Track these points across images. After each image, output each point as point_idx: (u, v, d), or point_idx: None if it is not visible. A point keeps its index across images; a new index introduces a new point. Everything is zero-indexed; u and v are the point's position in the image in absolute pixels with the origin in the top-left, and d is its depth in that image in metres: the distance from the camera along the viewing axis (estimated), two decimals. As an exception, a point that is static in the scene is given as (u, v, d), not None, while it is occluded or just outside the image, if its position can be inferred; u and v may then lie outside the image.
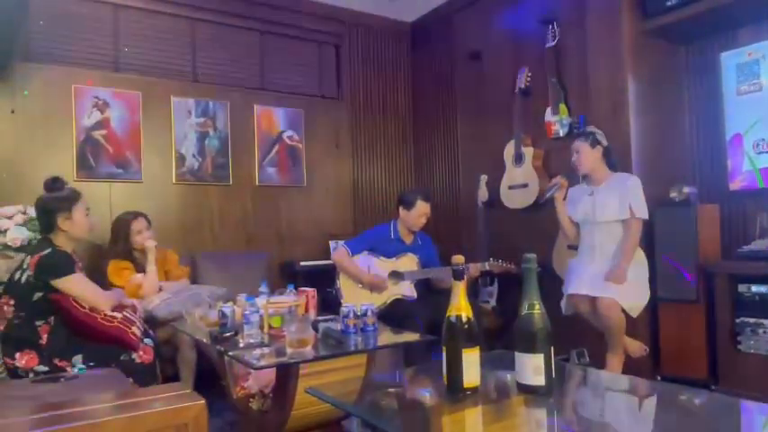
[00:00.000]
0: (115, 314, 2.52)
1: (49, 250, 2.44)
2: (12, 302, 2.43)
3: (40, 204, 2.55)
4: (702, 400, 1.56)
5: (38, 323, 2.40)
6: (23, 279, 2.41)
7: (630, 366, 2.93)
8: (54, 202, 2.51)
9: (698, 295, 3.06)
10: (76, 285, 2.44)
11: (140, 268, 3.24)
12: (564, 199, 3.12)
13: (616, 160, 3.06)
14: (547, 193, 3.16)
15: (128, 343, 2.48)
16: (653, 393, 1.70)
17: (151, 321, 2.94)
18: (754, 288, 2.89)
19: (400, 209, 3.56)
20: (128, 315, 2.57)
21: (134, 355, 2.48)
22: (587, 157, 2.99)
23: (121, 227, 3.29)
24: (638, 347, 3.01)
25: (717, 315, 3.01)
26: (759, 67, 3.10)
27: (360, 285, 3.44)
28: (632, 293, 2.84)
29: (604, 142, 3.01)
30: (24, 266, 2.45)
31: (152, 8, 4.14)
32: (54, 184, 2.57)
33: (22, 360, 2.33)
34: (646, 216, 2.89)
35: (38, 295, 2.39)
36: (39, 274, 2.39)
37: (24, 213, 3.12)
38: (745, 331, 2.89)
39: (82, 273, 2.50)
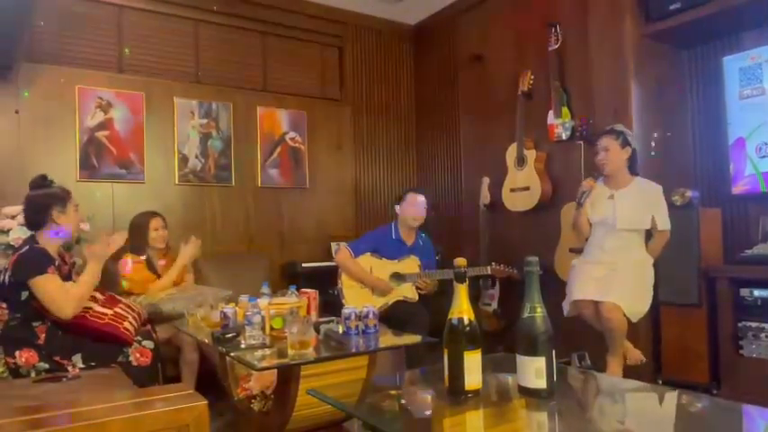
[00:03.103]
0: (105, 311, 2.49)
1: (26, 248, 2.39)
2: (4, 305, 2.41)
3: (32, 201, 2.49)
4: (704, 404, 1.56)
5: (35, 324, 2.37)
6: (6, 280, 2.36)
7: (631, 370, 2.92)
8: (48, 198, 2.48)
9: (700, 299, 3.05)
10: (42, 287, 2.31)
11: (151, 265, 3.27)
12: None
13: (637, 164, 2.94)
14: (581, 200, 2.92)
15: (120, 338, 2.47)
16: (654, 397, 1.70)
17: (154, 316, 2.96)
18: (757, 292, 2.88)
19: (396, 208, 3.64)
20: (119, 311, 2.54)
21: (131, 358, 2.47)
22: (616, 156, 2.84)
23: (140, 224, 3.34)
24: (636, 356, 2.94)
25: (719, 319, 3.00)
26: (762, 72, 3.10)
27: (362, 286, 3.45)
28: (635, 298, 2.81)
29: (634, 144, 2.88)
30: (5, 267, 2.41)
31: (155, 9, 4.15)
32: (44, 181, 2.55)
33: (22, 358, 2.32)
34: (669, 226, 2.85)
35: (25, 294, 2.34)
36: (14, 273, 2.34)
37: (28, 213, 3.12)
38: (747, 335, 2.89)
39: (55, 273, 2.36)
